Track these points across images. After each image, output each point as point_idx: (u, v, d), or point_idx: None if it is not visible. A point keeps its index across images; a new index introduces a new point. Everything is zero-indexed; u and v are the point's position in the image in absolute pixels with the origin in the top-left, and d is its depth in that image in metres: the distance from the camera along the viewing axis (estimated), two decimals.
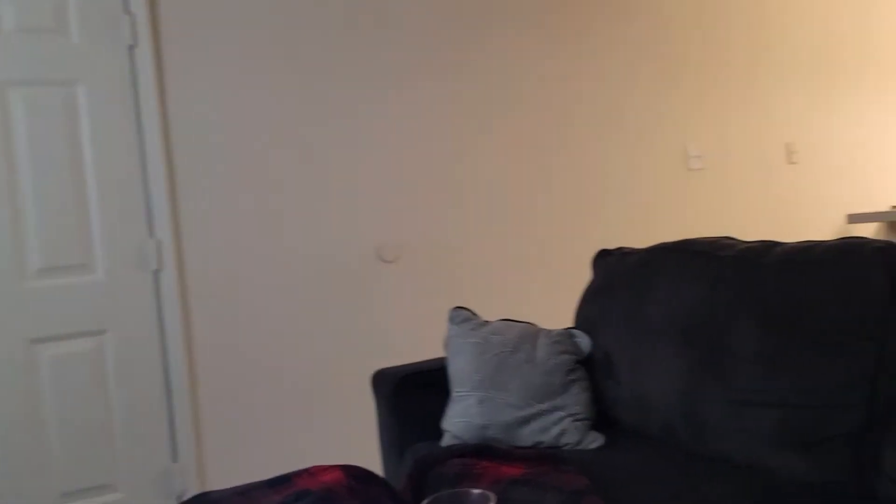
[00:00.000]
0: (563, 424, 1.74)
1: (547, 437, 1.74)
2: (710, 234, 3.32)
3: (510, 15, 2.95)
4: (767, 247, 1.61)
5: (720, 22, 3.40)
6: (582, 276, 3.00)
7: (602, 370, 1.87)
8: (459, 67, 2.85)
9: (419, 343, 2.72)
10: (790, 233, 3.52)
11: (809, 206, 3.59)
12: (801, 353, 1.41)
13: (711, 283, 1.64)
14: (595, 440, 1.73)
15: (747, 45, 3.47)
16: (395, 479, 1.91)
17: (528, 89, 2.97)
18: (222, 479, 2.44)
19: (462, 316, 1.94)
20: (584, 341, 1.91)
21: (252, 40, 2.52)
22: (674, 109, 3.27)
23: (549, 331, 1.89)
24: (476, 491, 0.89)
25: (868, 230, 3.65)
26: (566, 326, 2.05)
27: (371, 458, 2.59)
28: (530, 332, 1.87)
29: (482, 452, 1.61)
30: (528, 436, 1.74)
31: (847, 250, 1.43)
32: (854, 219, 3.30)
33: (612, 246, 3.10)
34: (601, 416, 1.86)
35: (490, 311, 2.84)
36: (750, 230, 3.42)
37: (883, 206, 3.74)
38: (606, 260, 2.08)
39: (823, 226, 3.62)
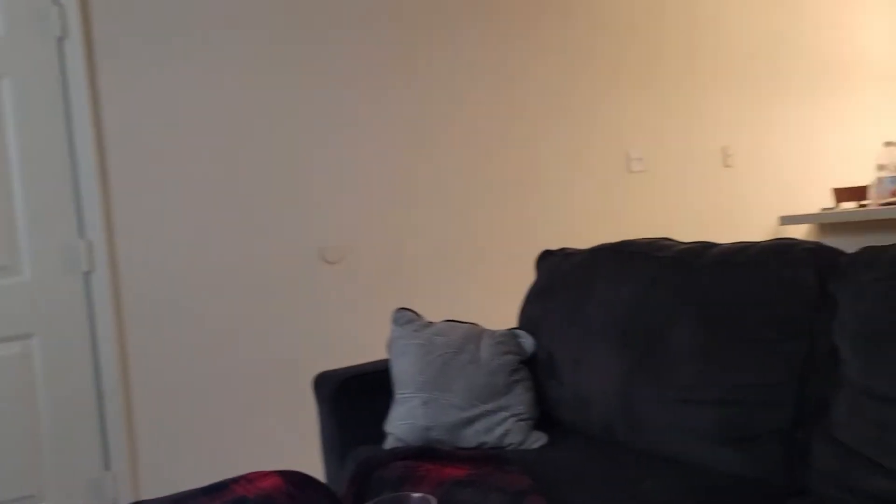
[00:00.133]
0: (506, 425, 1.74)
1: (491, 438, 1.74)
2: (650, 234, 3.39)
3: (454, 18, 2.95)
4: (704, 248, 1.65)
5: (658, 27, 3.48)
6: (526, 277, 3.02)
7: (545, 370, 1.88)
8: (404, 69, 2.83)
9: (362, 345, 2.69)
10: (726, 234, 3.62)
11: (744, 209, 3.71)
12: (735, 351, 1.45)
13: (650, 283, 1.67)
14: (538, 440, 1.74)
15: (684, 50, 3.56)
16: (337, 484, 1.89)
17: (472, 91, 2.98)
18: (157, 487, 2.37)
19: (406, 317, 1.93)
20: (527, 342, 1.92)
21: (190, 34, 2.45)
22: (616, 112, 3.33)
23: (493, 331, 1.90)
24: (416, 495, 0.88)
25: (799, 231, 3.79)
26: (510, 327, 2.06)
27: (313, 462, 2.55)
28: (474, 333, 1.87)
29: (425, 454, 1.60)
30: (471, 436, 1.74)
31: (779, 251, 1.48)
32: (786, 220, 3.42)
33: (555, 247, 3.14)
34: (544, 416, 1.87)
35: (434, 313, 2.84)
36: (688, 231, 3.51)
37: (813, 209, 3.89)
38: (549, 261, 2.10)
39: (757, 227, 3.75)
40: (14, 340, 2.22)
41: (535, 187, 3.10)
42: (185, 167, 2.43)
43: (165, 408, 2.39)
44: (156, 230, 2.39)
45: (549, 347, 1.89)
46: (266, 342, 2.54)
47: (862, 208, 3.16)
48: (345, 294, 2.67)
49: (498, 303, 2.97)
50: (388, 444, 1.79)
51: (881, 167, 3.21)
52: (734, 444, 1.42)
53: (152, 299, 2.38)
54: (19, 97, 2.23)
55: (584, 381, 1.75)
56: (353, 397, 1.91)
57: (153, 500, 1.33)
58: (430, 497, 0.91)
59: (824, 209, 3.59)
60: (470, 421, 1.74)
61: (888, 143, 3.18)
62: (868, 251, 1.36)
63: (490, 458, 1.56)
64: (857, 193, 3.46)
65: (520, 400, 1.79)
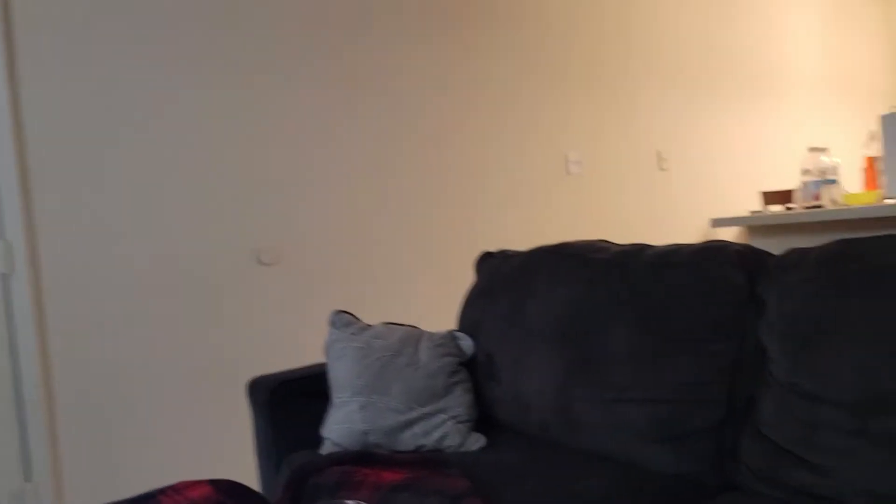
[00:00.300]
0: (445, 427, 1.73)
1: (429, 441, 1.73)
2: (588, 237, 3.44)
3: (394, 19, 2.93)
4: (639, 249, 1.68)
5: (596, 32, 3.54)
6: (466, 279, 3.03)
7: (484, 371, 1.88)
8: (344, 69, 2.79)
9: (300, 349, 2.64)
10: (661, 236, 3.71)
11: (678, 211, 3.81)
12: (668, 351, 1.47)
13: (587, 284, 1.68)
14: (477, 441, 1.74)
15: (621, 55, 3.63)
16: (272, 492, 1.84)
17: (413, 92, 2.96)
18: (82, 499, 2.26)
19: (344, 320, 1.90)
20: (466, 343, 1.91)
21: (118, 29, 2.35)
22: (557, 116, 3.37)
23: (432, 333, 1.88)
24: (349, 502, 0.86)
25: (729, 233, 3.92)
26: (450, 328, 2.05)
27: (248, 470, 2.49)
28: (413, 336, 1.86)
29: (363, 459, 1.57)
30: (410, 440, 1.73)
31: (710, 253, 1.52)
32: (717, 223, 3.53)
33: (496, 248, 3.15)
34: (483, 417, 1.87)
35: (373, 315, 2.81)
36: (624, 233, 3.58)
37: (743, 212, 4.03)
38: (489, 262, 2.10)
39: (690, 229, 3.85)
40: None
41: (477, 189, 3.11)
42: (114, 165, 2.34)
43: (92, 415, 2.29)
44: (81, 230, 2.28)
45: (488, 349, 1.89)
46: (199, 346, 2.46)
47: (788, 211, 3.28)
48: (281, 296, 2.62)
49: (438, 304, 2.97)
50: (325, 449, 1.75)
51: (806, 172, 3.34)
52: (668, 442, 1.44)
53: (77, 302, 2.27)
54: None
55: (522, 382, 1.76)
56: (289, 402, 1.86)
57: None
58: None
59: (753, 212, 3.72)
60: (408, 424, 1.72)
61: (813, 149, 3.32)
62: (793, 253, 1.40)
63: (428, 461, 1.54)
64: (784, 197, 3.60)
65: (459, 402, 1.78)
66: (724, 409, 1.40)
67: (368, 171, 2.83)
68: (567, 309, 1.69)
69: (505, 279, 1.95)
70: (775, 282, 1.38)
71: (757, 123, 4.20)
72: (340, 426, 1.74)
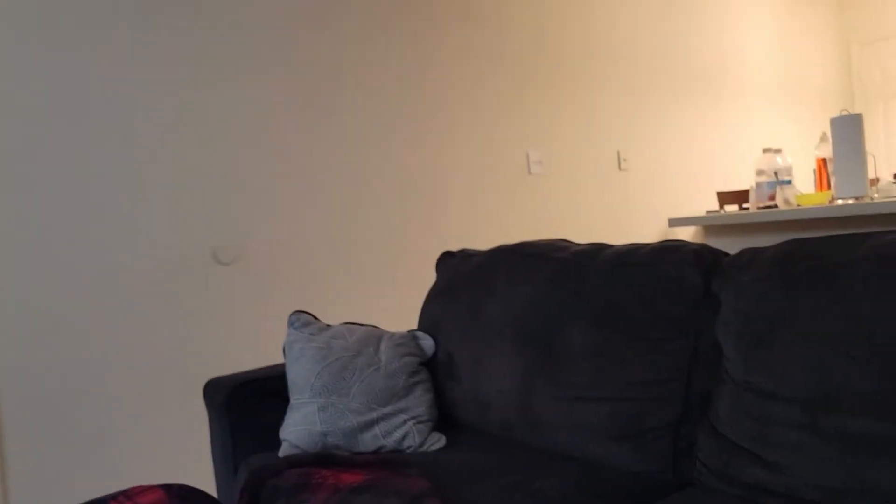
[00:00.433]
0: (405, 428, 1.72)
1: (389, 442, 1.71)
2: (550, 236, 3.46)
3: (358, 19, 2.90)
4: (598, 249, 1.69)
5: (558, 34, 3.56)
6: (427, 278, 3.02)
7: (445, 371, 1.88)
8: (307, 65, 2.76)
9: (258, 350, 2.60)
10: (620, 235, 3.76)
11: (637, 211, 3.86)
12: (625, 349, 1.49)
13: (547, 284, 1.69)
14: (437, 441, 1.73)
15: (582, 57, 3.66)
16: (229, 495, 1.81)
17: (376, 90, 2.94)
18: None
19: (302, 320, 1.87)
20: (427, 343, 1.91)
21: (67, 16, 2.28)
22: (519, 116, 3.38)
23: (393, 333, 1.87)
24: None
25: (686, 233, 3.98)
26: (411, 328, 2.04)
27: (206, 474, 2.44)
28: (373, 336, 1.84)
29: (322, 461, 1.55)
30: (370, 441, 1.71)
31: (667, 253, 1.53)
32: (674, 223, 3.58)
33: (458, 247, 3.15)
34: (444, 417, 1.87)
35: (333, 315, 2.78)
36: (584, 233, 3.61)
37: (699, 212, 4.10)
38: (449, 262, 2.10)
39: (649, 229, 3.91)
40: None
41: (438, 188, 3.10)
42: (60, 162, 2.27)
43: (41, 421, 2.22)
44: (27, 232, 2.21)
45: (448, 348, 1.88)
46: (155, 347, 2.41)
47: (743, 211, 3.35)
48: (239, 296, 2.57)
49: (400, 304, 2.95)
50: (283, 451, 1.73)
51: (760, 172, 3.41)
52: (626, 439, 1.46)
53: (24, 306, 2.20)
54: None
55: (483, 382, 1.76)
56: (247, 404, 1.83)
57: None
58: None
59: (709, 212, 3.78)
60: (368, 425, 1.71)
61: (766, 150, 3.39)
62: (747, 253, 1.43)
63: (388, 462, 1.53)
64: (739, 197, 3.67)
65: (419, 402, 1.77)
66: (680, 407, 1.42)
67: (329, 169, 2.80)
68: (526, 308, 1.70)
69: (465, 279, 1.95)
70: (730, 281, 1.40)
71: (713, 125, 4.29)
72: (299, 428, 1.72)
